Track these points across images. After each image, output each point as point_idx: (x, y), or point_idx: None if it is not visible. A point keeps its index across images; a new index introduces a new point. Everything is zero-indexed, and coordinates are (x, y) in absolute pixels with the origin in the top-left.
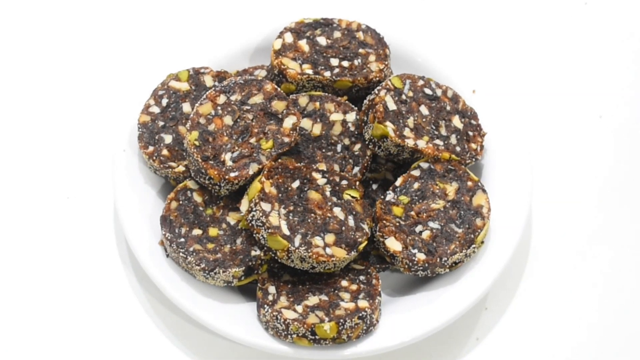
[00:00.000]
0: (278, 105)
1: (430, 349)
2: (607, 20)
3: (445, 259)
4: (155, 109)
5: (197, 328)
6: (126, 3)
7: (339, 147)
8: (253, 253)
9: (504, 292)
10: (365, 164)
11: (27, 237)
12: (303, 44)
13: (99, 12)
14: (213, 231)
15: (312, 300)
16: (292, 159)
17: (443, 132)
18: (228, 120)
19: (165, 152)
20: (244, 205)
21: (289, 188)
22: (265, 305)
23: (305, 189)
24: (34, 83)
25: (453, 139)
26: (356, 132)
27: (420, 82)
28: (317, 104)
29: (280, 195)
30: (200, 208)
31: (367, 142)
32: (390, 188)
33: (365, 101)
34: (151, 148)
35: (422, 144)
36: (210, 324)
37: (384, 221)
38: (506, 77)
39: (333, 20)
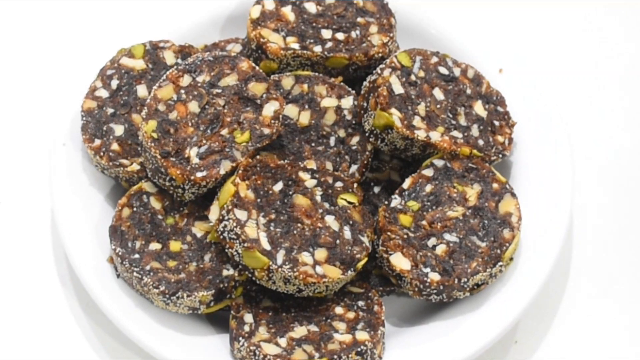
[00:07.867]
0: (256, 88)
1: None
2: None
3: (465, 280)
4: (103, 93)
5: None
6: None
7: (332, 141)
8: (225, 273)
9: (537, 322)
10: (365, 162)
11: None
12: (287, 12)
13: None
14: (175, 245)
15: (299, 331)
16: (274, 155)
17: (462, 121)
18: (194, 106)
19: (115, 146)
20: (213, 213)
21: (270, 191)
22: (241, 338)
23: (291, 192)
24: None
25: (475, 130)
26: (354, 122)
27: (434, 60)
28: (305, 86)
29: (259, 200)
30: (159, 216)
31: (367, 134)
32: (397, 192)
33: (365, 83)
34: (98, 142)
35: (435, 136)
36: None
37: (389, 233)
38: (540, 54)
39: None
